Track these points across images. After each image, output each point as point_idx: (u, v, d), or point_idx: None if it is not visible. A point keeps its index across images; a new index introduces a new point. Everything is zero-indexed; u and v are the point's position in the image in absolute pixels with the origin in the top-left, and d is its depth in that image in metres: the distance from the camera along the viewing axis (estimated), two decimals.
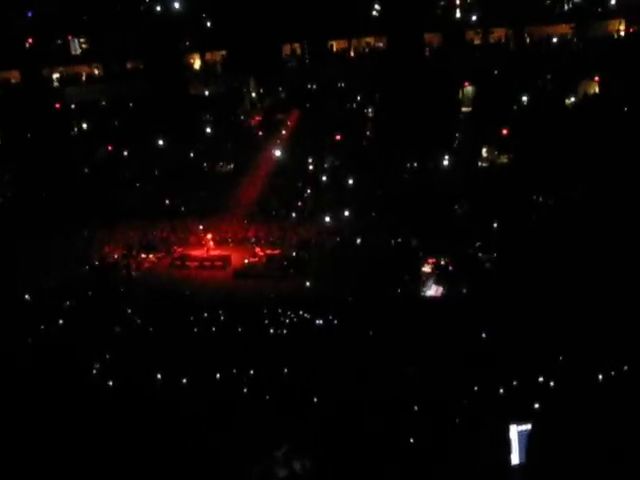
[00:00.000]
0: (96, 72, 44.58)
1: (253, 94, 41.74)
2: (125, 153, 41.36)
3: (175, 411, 14.59)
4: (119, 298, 27.96)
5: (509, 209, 32.29)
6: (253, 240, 34.02)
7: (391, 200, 35.40)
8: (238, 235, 34.90)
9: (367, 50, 43.56)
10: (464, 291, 27.33)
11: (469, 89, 41.43)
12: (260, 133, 40.86)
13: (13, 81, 43.33)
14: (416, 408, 14.00)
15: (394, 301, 26.08)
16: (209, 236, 33.89)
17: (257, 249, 32.95)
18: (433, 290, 28.09)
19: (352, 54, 43.59)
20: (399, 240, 32.57)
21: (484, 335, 19.64)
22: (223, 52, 43.31)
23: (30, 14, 40.94)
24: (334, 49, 44.13)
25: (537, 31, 42.23)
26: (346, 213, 35.20)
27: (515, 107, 39.91)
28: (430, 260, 29.57)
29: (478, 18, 42.18)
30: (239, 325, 22.94)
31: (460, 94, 41.43)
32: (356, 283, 27.70)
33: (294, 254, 32.34)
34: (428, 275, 29.02)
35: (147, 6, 41.41)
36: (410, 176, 37.90)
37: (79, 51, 43.71)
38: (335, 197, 36.74)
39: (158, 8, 40.84)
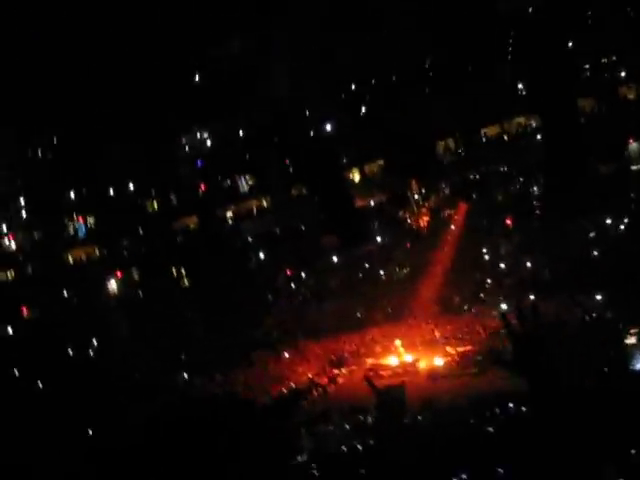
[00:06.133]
0: (264, 204, 47.33)
1: (416, 196, 42.43)
2: (302, 274, 42.87)
3: None
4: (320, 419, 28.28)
5: None
6: (441, 340, 33.68)
7: (574, 275, 34.22)
8: (425, 337, 34.70)
9: (520, 130, 43.34)
10: None
11: (634, 145, 39.88)
12: (430, 232, 41.18)
13: (192, 226, 46.75)
14: None
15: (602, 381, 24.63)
16: (397, 342, 33.94)
17: (447, 348, 32.53)
18: None
19: (506, 137, 43.51)
20: (593, 315, 31.13)
21: None
22: (381, 162, 44.67)
23: (200, 163, 44.75)
24: (487, 135, 44.32)
25: None
26: (531, 297, 34.21)
27: None
28: (632, 330, 27.85)
29: (627, 73, 41.11)
30: (442, 427, 22.57)
31: (626, 152, 39.96)
32: (556, 370, 26.57)
33: (486, 348, 31.56)
34: (634, 346, 27.27)
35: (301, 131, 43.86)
36: (591, 245, 36.62)
37: (247, 188, 46.84)
38: (516, 282, 35.97)
39: (311, 133, 43.17)
